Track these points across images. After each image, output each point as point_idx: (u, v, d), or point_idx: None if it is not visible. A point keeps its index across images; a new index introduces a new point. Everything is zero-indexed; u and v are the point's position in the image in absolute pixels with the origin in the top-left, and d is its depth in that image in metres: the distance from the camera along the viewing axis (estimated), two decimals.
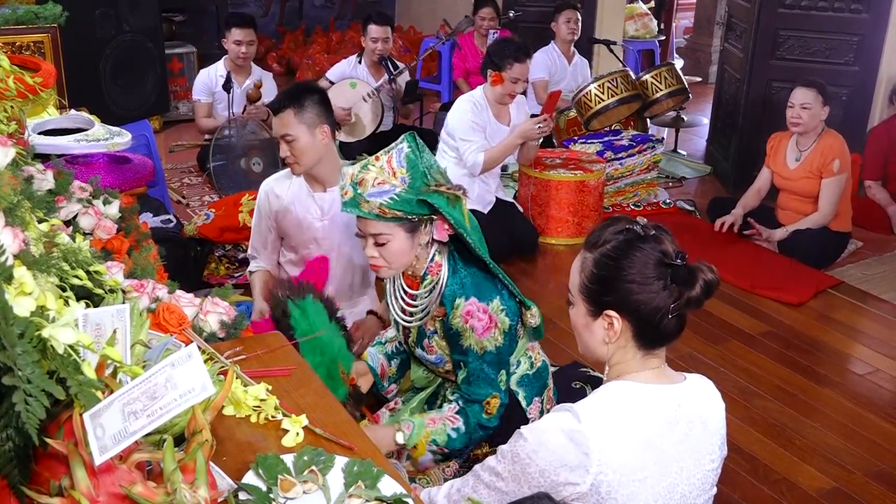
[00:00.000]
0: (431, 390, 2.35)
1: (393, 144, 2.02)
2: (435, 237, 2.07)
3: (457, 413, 2.12)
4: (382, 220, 2.00)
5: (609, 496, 1.41)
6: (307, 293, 2.16)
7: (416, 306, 2.14)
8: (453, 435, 2.10)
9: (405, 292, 2.17)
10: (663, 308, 1.43)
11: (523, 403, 2.23)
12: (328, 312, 2.22)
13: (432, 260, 2.10)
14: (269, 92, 5.04)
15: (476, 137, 4.03)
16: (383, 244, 2.04)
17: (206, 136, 5.06)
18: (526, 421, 2.16)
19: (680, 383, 1.52)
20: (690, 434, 1.48)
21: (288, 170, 2.85)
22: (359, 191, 1.99)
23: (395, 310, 2.21)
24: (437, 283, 2.09)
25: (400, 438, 2.09)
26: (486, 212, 4.13)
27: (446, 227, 2.04)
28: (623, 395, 1.47)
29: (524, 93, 4.41)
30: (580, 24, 5.58)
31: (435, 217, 2.03)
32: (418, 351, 2.22)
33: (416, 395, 2.38)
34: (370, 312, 2.89)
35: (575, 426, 1.41)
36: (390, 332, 2.45)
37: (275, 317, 2.13)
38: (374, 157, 2.02)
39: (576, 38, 5.59)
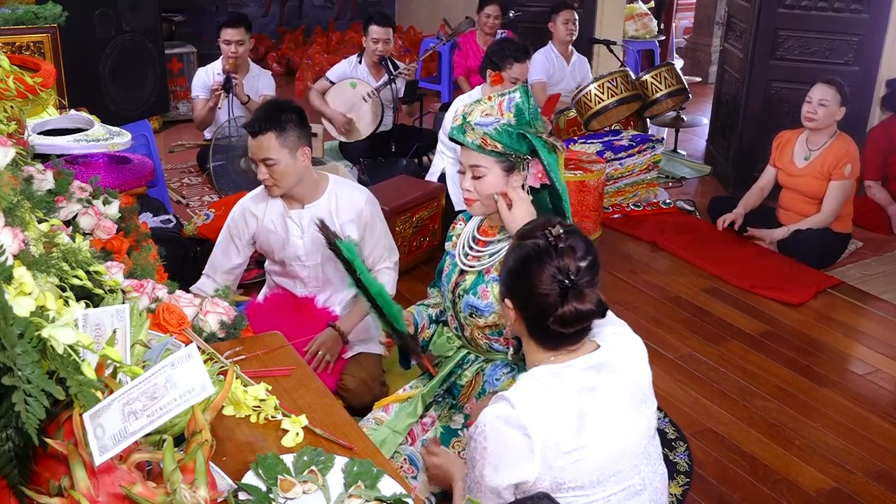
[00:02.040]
0: (447, 371, 2.31)
1: (507, 91, 2.12)
2: (528, 182, 2.13)
3: None
4: (483, 152, 2.08)
5: (562, 470, 1.50)
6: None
7: (483, 252, 2.20)
8: None
9: (475, 240, 2.24)
10: (544, 316, 1.55)
11: None
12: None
13: None
14: (268, 88, 5.04)
15: None
16: (479, 177, 2.10)
17: (206, 137, 5.06)
18: None
19: (594, 352, 1.61)
20: (617, 394, 1.58)
21: (262, 188, 2.76)
22: (467, 119, 2.08)
23: (460, 256, 2.27)
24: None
25: None
26: None
27: (540, 172, 2.10)
28: (544, 377, 1.57)
29: None
30: (578, 24, 5.56)
31: (531, 159, 2.10)
32: (467, 298, 2.22)
33: (428, 381, 2.34)
34: (330, 325, 2.77)
35: (511, 413, 1.51)
36: (434, 298, 2.48)
37: (326, 236, 2.15)
38: (486, 96, 2.14)
39: (574, 38, 5.58)
